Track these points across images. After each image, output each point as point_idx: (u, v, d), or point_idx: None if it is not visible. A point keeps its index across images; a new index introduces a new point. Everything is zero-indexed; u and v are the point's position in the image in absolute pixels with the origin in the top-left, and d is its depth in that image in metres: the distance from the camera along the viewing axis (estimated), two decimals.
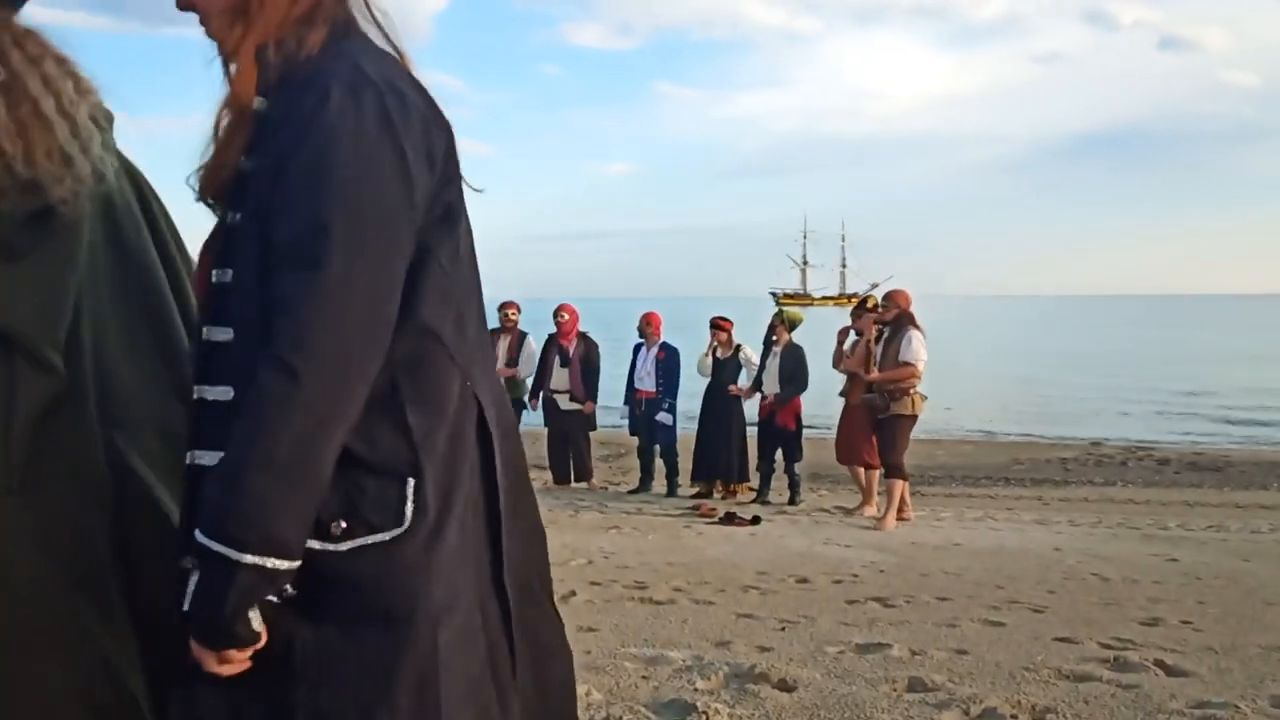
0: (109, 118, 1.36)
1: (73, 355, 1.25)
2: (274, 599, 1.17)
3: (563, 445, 9.64)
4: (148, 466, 1.32)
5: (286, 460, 1.12)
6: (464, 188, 1.34)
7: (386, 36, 1.35)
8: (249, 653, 1.18)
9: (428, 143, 1.25)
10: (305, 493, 1.14)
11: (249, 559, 1.12)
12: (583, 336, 9.60)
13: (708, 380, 9.35)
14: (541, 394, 9.54)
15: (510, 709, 1.32)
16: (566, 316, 9.58)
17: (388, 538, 1.21)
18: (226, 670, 1.18)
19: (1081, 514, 8.98)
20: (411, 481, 1.22)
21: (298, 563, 1.16)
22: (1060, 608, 5.01)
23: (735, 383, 9.20)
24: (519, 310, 9.75)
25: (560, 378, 9.47)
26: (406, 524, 1.22)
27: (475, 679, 1.28)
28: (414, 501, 1.23)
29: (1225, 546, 7.26)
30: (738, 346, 9.35)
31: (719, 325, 9.37)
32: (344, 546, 1.19)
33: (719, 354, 9.33)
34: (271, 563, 1.13)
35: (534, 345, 9.64)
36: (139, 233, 1.41)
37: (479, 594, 1.30)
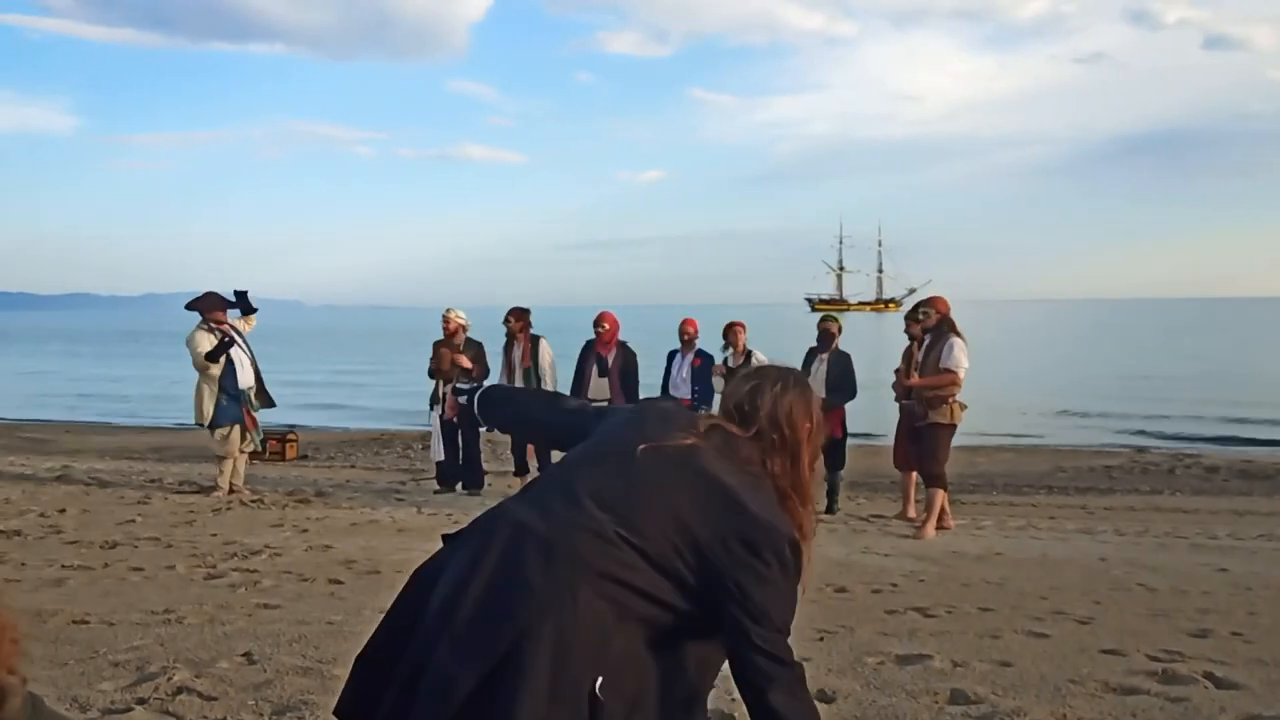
0: None
1: None
2: None
3: None
4: None
5: None
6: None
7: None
8: None
9: None
10: None
11: None
12: (622, 346, 9.49)
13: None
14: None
15: None
16: (607, 326, 9.50)
17: None
18: None
19: (1127, 523, 8.81)
20: None
21: None
22: (1106, 619, 4.90)
23: None
24: (521, 317, 9.59)
25: (599, 387, 9.41)
26: None
27: None
28: None
29: (1277, 556, 7.09)
30: (749, 353, 9.23)
31: (732, 330, 9.25)
32: None
33: (730, 362, 9.23)
34: None
35: (548, 351, 9.56)
36: None
37: None
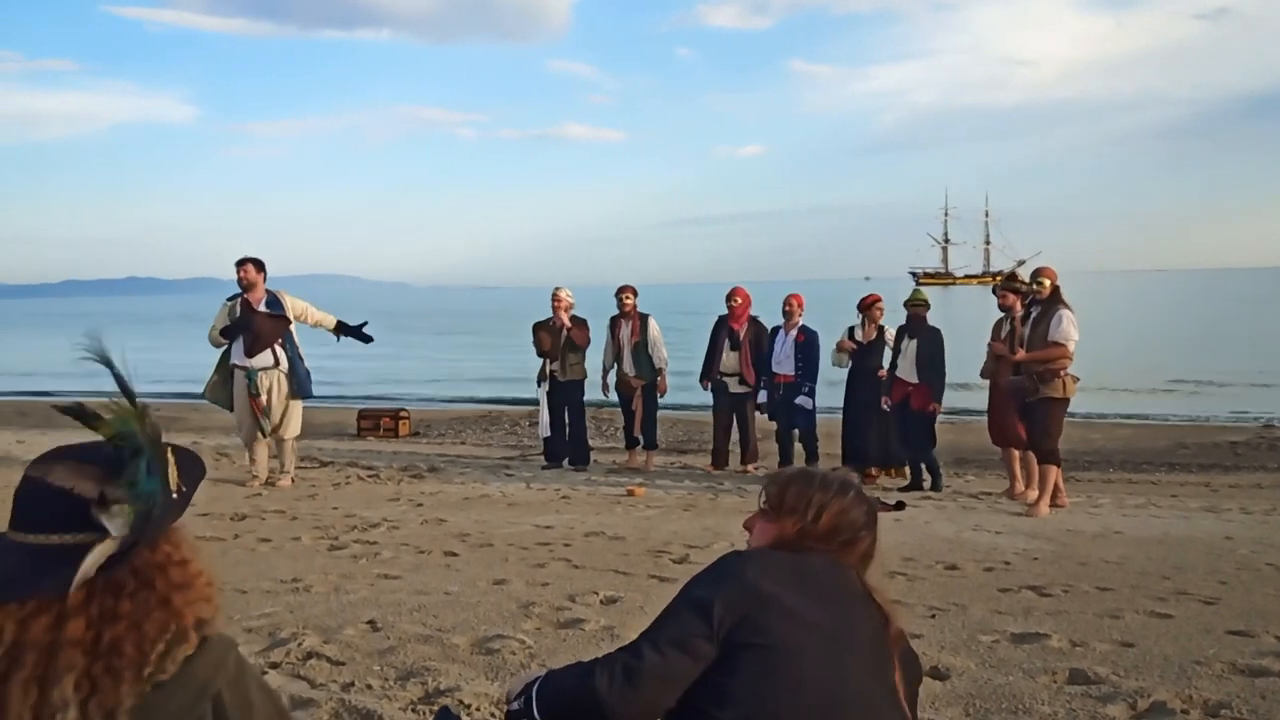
0: None
1: None
2: None
3: (727, 428, 9.71)
4: None
5: None
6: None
7: None
8: None
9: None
10: None
11: None
12: (753, 320, 9.65)
13: (848, 366, 9.16)
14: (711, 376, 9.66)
15: None
16: (739, 300, 9.65)
17: None
18: None
19: (1254, 501, 8.42)
20: None
21: None
22: (1233, 599, 4.73)
23: (881, 365, 8.94)
24: (635, 294, 9.82)
25: (730, 360, 9.57)
26: None
27: None
28: None
29: None
30: (881, 328, 9.10)
31: (874, 306, 9.13)
32: None
33: (859, 336, 9.11)
34: None
35: (656, 327, 9.77)
36: None
37: None
